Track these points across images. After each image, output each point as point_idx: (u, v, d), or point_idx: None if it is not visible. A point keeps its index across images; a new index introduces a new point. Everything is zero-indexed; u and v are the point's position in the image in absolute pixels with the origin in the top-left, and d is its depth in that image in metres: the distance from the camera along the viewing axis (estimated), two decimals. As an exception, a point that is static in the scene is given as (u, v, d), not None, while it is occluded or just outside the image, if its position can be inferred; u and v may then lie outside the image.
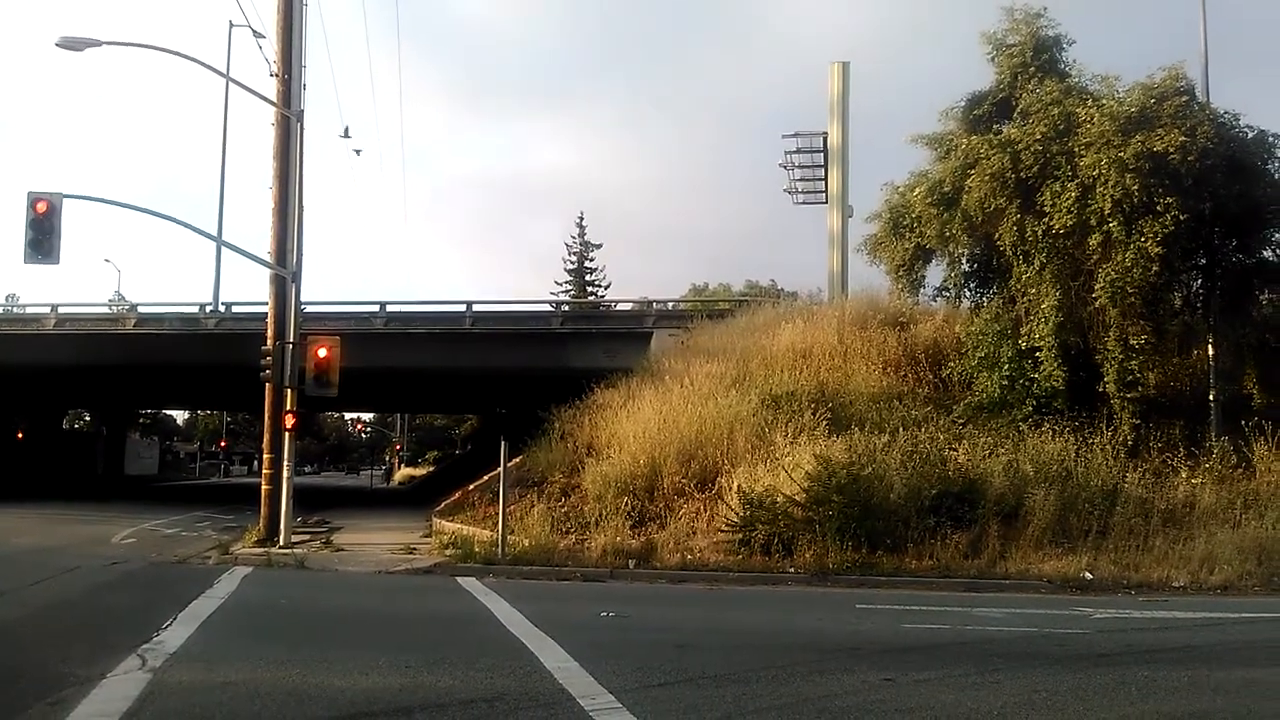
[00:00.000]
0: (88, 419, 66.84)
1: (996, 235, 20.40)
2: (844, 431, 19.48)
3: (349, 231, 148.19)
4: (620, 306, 46.37)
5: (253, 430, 77.35)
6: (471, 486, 25.46)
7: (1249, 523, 17.12)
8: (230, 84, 26.38)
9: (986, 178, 19.78)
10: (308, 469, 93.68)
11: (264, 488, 20.37)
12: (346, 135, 30.25)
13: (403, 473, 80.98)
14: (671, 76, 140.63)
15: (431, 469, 74.78)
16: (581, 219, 71.04)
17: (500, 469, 18.42)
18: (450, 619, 12.13)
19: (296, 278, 20.40)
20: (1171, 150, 18.32)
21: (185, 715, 7.29)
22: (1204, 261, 20.73)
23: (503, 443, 18.32)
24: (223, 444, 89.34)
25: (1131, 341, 19.08)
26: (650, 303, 36.09)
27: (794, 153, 34.10)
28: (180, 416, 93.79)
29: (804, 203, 35.60)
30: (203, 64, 21.10)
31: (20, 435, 45.42)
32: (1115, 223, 18.56)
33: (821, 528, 16.82)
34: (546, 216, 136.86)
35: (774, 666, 8.82)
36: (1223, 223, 20.07)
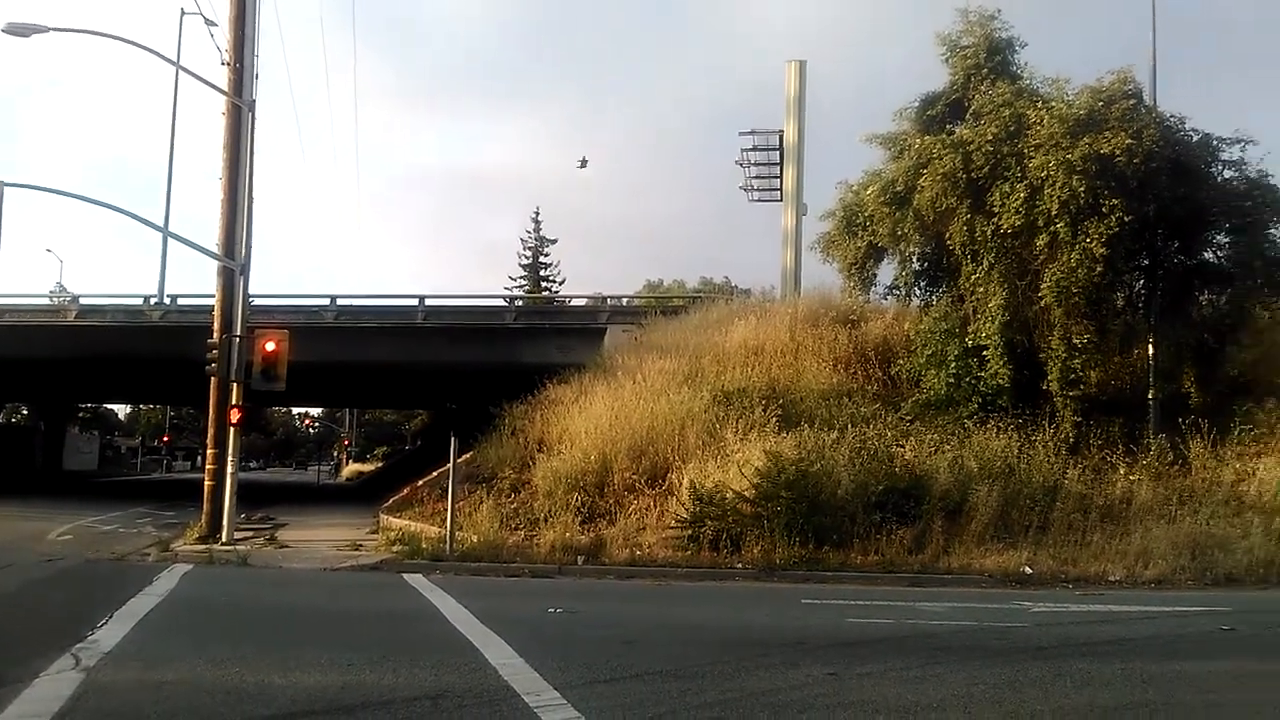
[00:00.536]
0: (25, 413, 65.19)
1: (947, 234, 20.68)
2: (794, 428, 19.65)
3: (301, 224, 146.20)
4: (574, 302, 46.31)
5: (197, 425, 75.87)
6: (420, 482, 25.28)
7: (1184, 518, 17.55)
8: (180, 72, 25.80)
9: (938, 177, 20.03)
10: (253, 465, 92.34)
11: (207, 483, 20.04)
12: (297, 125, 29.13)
13: (351, 468, 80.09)
14: (629, 73, 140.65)
15: (380, 465, 74.06)
16: (537, 214, 70.86)
17: (449, 465, 18.29)
18: (395, 616, 12.01)
19: (245, 270, 20.08)
20: (1118, 153, 18.68)
21: (119, 715, 7.14)
22: (1146, 262, 21.18)
23: (452, 438, 18.20)
24: (165, 439, 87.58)
25: (1075, 340, 19.44)
26: (604, 298, 36.07)
27: (750, 150, 34.30)
28: (122, 411, 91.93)
29: (759, 200, 35.83)
30: (151, 51, 20.65)
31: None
32: (1062, 224, 18.90)
33: (770, 523, 16.94)
34: (502, 212, 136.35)
35: (720, 661, 8.87)
36: (1166, 225, 20.52)
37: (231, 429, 19.54)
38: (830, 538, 17.01)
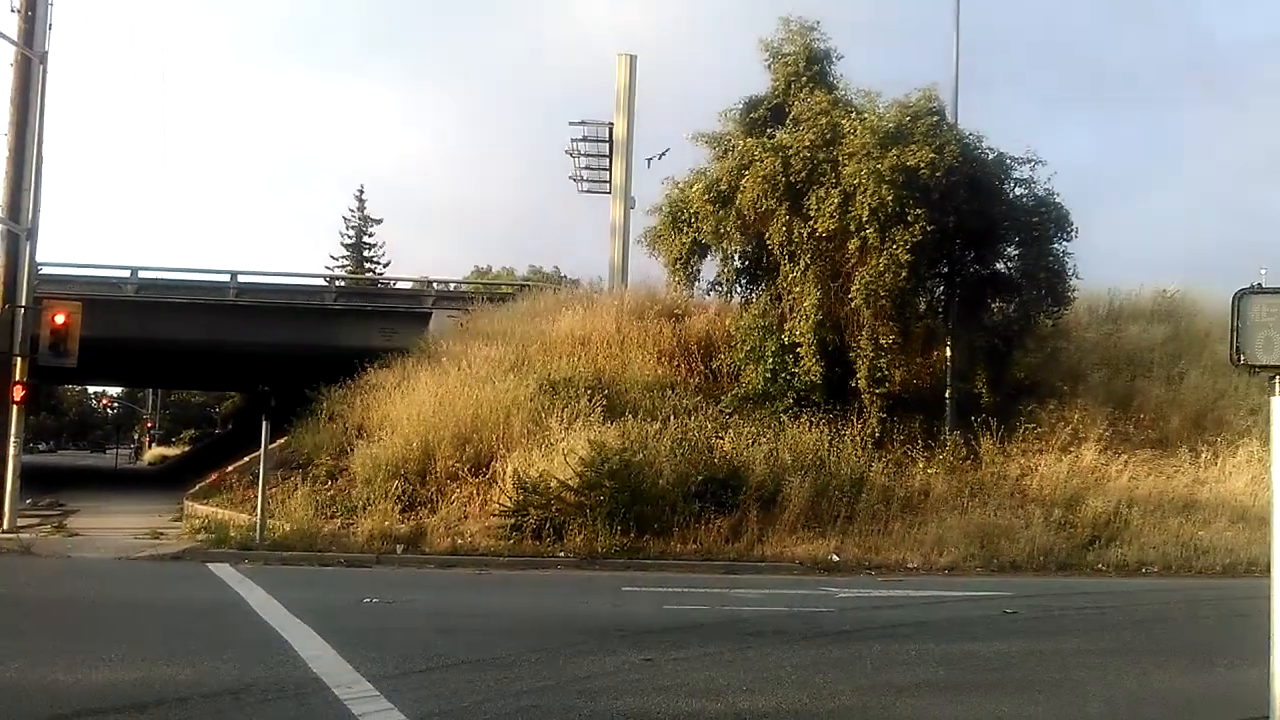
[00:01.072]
0: None
1: (767, 235, 21.30)
2: (618, 418, 19.91)
3: (102, 190, 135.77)
4: (400, 285, 45.16)
5: (-24, 402, 69.44)
6: (230, 468, 24.16)
7: (974, 510, 18.91)
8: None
9: (759, 179, 20.61)
10: (42, 446, 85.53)
11: (-14, 466, 18.45)
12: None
13: (154, 452, 75.53)
14: (459, 56, 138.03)
15: (188, 449, 70.16)
16: (361, 192, 68.44)
17: (261, 450, 17.54)
18: (198, 608, 11.44)
19: (33, 235, 18.64)
20: (922, 166, 19.74)
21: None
22: (946, 270, 22.47)
23: (265, 422, 17.45)
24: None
25: (881, 341, 20.42)
26: (430, 282, 35.38)
27: (580, 140, 34.29)
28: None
29: (589, 191, 35.88)
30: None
31: None
32: (871, 229, 19.78)
33: (593, 512, 17.12)
34: (325, 188, 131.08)
35: (538, 649, 8.91)
36: (964, 236, 21.82)
37: (15, 407, 18.13)
38: (651, 526, 17.36)
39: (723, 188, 21.45)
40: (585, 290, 31.77)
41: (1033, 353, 23.17)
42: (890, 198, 19.53)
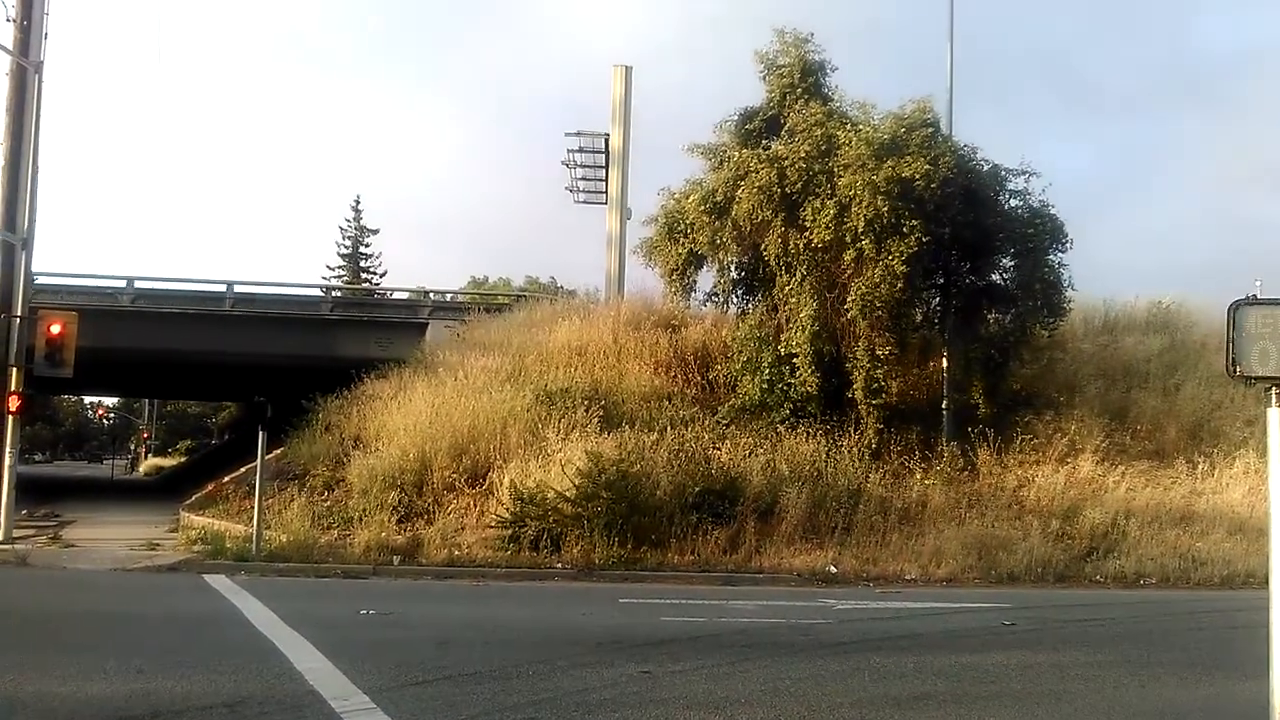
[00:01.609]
0: None
1: (763, 246, 21.36)
2: (615, 429, 19.90)
3: (98, 199, 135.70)
4: (396, 295, 45.21)
5: (-30, 413, 69.17)
6: (226, 479, 24.11)
7: (972, 521, 18.90)
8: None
9: (755, 190, 20.67)
10: (38, 457, 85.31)
11: (-19, 477, 18.38)
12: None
13: (150, 463, 75.22)
14: (456, 65, 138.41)
15: (184, 460, 69.89)
16: (358, 202, 68.54)
17: (258, 460, 17.49)
18: (193, 619, 11.39)
19: (28, 245, 18.65)
20: (917, 177, 19.81)
21: None
22: (942, 281, 22.54)
23: (261, 433, 17.38)
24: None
25: (878, 352, 20.46)
26: (427, 293, 35.38)
27: (576, 151, 34.35)
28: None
29: (585, 202, 35.91)
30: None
31: None
32: (867, 241, 19.85)
33: (590, 524, 17.08)
34: (321, 198, 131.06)
35: (535, 662, 8.87)
36: (959, 247, 21.91)
37: (10, 417, 18.08)
38: (649, 538, 17.32)
39: (718, 199, 21.51)
40: (582, 301, 31.75)
41: (1029, 364, 23.22)
42: (886, 209, 19.59)
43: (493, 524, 17.67)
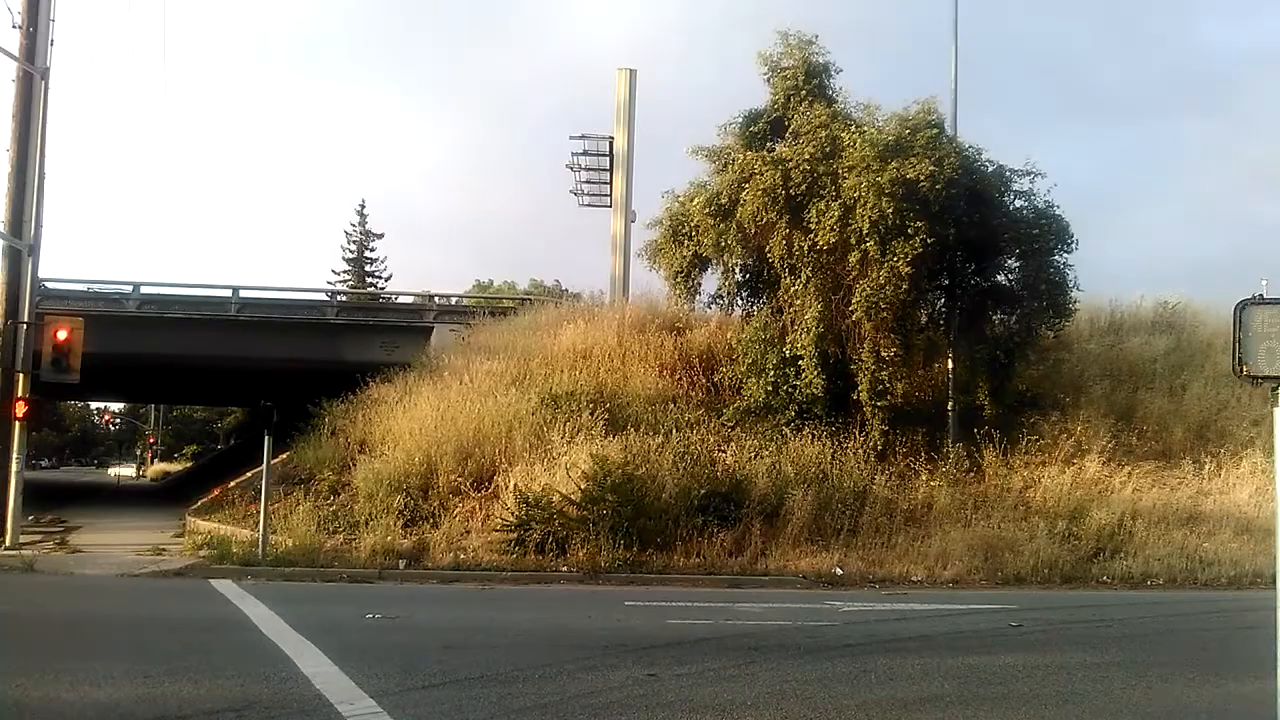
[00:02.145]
0: None
1: (767, 248, 21.34)
2: (620, 432, 19.90)
3: (104, 205, 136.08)
4: (401, 299, 45.23)
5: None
6: (232, 484, 24.15)
7: (978, 522, 18.86)
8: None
9: (759, 192, 20.66)
10: (45, 463, 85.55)
11: (-12, 483, 18.44)
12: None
13: (157, 468, 75.46)
14: (461, 69, 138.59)
15: (190, 465, 70.10)
16: (363, 207, 68.67)
17: (264, 465, 17.52)
18: (200, 624, 11.40)
19: (35, 251, 18.68)
20: (922, 178, 19.77)
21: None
22: (947, 282, 22.50)
23: (267, 437, 17.44)
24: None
25: (883, 353, 20.43)
26: (432, 296, 35.40)
27: (580, 155, 34.36)
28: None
29: (590, 205, 35.94)
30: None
31: None
32: (872, 242, 19.83)
33: (595, 527, 17.08)
34: (326, 202, 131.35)
35: (541, 665, 8.87)
36: (964, 248, 21.87)
37: (17, 424, 18.12)
38: (654, 541, 17.32)
39: (723, 201, 21.52)
40: (586, 304, 31.75)
41: (1034, 364, 23.19)
42: (890, 210, 19.57)
43: (498, 528, 17.67)
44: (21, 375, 17.98)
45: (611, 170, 33.66)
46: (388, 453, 20.13)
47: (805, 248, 20.67)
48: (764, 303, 22.95)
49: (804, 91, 22.40)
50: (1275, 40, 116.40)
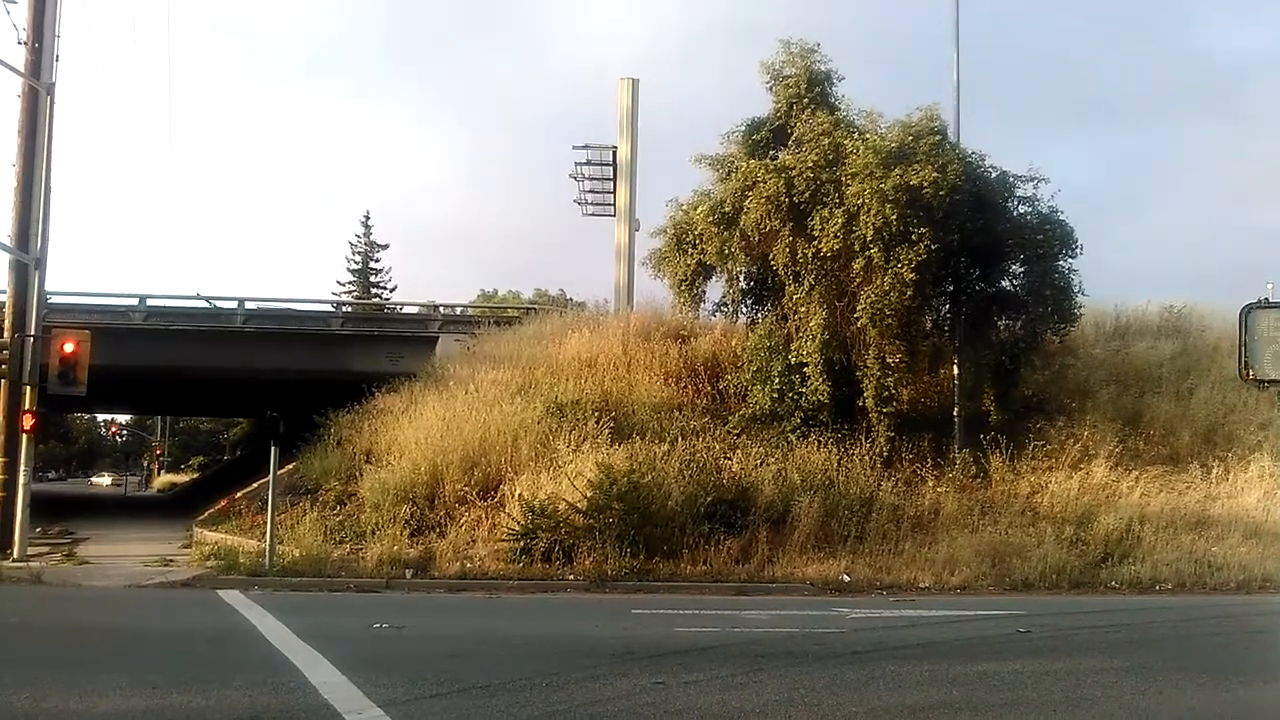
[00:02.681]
0: None
1: (771, 255, 21.37)
2: (626, 440, 19.90)
3: (110, 218, 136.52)
4: (406, 310, 45.34)
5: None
6: (239, 494, 24.20)
7: (985, 528, 18.81)
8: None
9: (763, 200, 20.69)
10: (52, 475, 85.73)
11: (-4, 495, 18.49)
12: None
13: (164, 479, 75.60)
14: (464, 80, 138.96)
15: (196, 476, 70.18)
16: (367, 218, 69.03)
17: (270, 475, 17.55)
18: (207, 634, 11.41)
19: (41, 265, 18.77)
20: (925, 185, 19.78)
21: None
22: (951, 288, 22.48)
23: (273, 448, 17.48)
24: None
25: (888, 360, 20.41)
26: (437, 307, 35.46)
27: (584, 164, 34.39)
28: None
29: (593, 214, 35.96)
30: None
31: None
32: (876, 249, 19.84)
33: (601, 535, 17.08)
34: (331, 214, 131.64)
35: (548, 673, 8.86)
36: (968, 254, 21.85)
37: (24, 436, 18.17)
38: (661, 548, 17.30)
39: (726, 209, 21.55)
40: (591, 313, 31.76)
41: (1040, 370, 23.15)
42: (894, 217, 19.59)
43: (505, 537, 17.67)
44: (29, 388, 18.02)
45: (615, 180, 33.68)
46: (394, 462, 20.15)
47: (809, 255, 20.67)
48: (768, 310, 22.96)
49: (806, 99, 22.44)
50: None
